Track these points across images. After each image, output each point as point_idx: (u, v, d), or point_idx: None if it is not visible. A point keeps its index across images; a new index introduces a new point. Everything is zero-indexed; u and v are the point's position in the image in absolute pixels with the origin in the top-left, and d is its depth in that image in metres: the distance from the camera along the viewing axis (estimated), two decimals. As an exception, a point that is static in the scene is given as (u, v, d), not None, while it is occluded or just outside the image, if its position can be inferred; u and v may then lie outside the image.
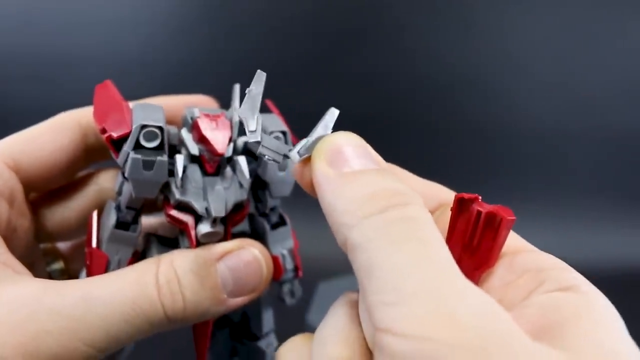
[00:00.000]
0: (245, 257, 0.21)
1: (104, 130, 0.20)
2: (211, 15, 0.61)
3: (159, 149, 0.20)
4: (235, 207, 0.21)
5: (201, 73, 0.61)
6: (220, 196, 0.21)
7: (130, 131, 0.19)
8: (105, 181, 0.25)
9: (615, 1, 0.62)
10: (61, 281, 0.20)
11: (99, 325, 0.19)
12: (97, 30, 0.61)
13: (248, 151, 0.23)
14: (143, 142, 0.20)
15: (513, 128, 0.63)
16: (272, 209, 0.24)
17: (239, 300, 0.21)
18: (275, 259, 0.24)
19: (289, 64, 0.61)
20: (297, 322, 0.43)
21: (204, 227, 0.21)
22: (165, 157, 0.20)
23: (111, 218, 0.21)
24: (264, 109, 0.21)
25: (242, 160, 0.21)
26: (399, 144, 0.62)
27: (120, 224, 0.22)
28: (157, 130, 0.20)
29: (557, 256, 0.20)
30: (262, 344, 0.26)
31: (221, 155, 0.20)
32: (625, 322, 0.18)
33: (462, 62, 0.62)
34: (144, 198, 0.21)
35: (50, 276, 0.26)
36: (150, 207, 0.24)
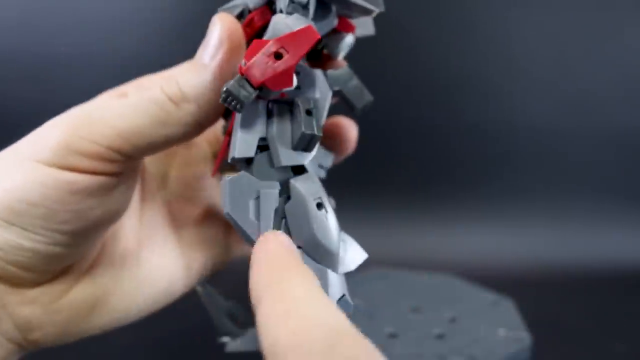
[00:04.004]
0: (211, 31, 0.25)
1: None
2: (209, 15, 0.61)
3: None
4: None
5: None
6: None
7: None
8: None
9: (615, 0, 0.62)
10: None
11: (113, 123, 0.22)
12: (97, 30, 0.61)
13: None
14: None
15: (512, 128, 0.63)
16: None
17: (218, 57, 0.24)
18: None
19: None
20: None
21: None
22: None
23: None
24: None
25: None
26: (399, 143, 0.62)
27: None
28: None
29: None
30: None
31: None
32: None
33: (461, 62, 0.62)
34: None
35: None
36: None
